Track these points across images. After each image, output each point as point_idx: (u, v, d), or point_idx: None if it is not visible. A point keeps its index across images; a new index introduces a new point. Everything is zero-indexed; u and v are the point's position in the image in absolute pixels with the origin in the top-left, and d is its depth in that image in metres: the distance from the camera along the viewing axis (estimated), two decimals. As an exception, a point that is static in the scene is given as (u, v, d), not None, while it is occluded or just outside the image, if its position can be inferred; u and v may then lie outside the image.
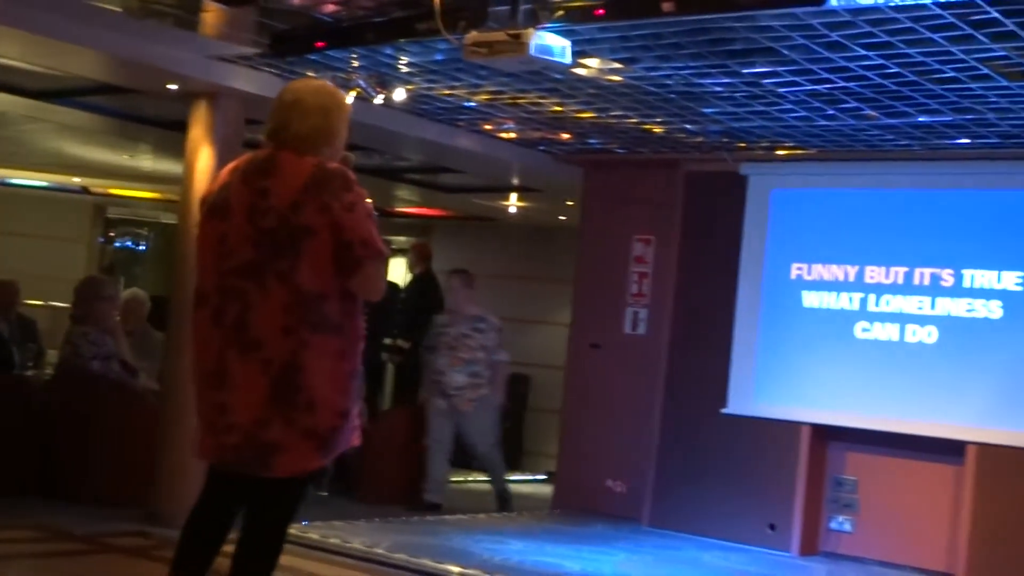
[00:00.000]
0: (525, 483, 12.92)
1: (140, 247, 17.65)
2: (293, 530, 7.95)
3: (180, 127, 8.88)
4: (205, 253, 4.38)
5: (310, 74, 7.97)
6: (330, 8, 6.98)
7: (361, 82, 7.99)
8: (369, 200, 4.34)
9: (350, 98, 7.93)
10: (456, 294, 10.52)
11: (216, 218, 4.34)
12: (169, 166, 11.97)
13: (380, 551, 7.75)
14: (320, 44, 7.22)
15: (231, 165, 4.47)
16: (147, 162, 12.76)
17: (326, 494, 10.19)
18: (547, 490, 11.17)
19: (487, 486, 10.96)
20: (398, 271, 15.48)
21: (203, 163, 8.41)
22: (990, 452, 8.58)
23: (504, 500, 10.52)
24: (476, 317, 10.40)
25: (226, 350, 4.20)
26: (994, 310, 8.69)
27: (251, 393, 4.15)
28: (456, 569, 7.43)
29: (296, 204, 4.16)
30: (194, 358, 4.35)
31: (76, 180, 14.92)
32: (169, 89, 8.42)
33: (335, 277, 4.18)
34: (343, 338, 4.21)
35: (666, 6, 5.90)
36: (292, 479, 4.23)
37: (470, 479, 12.67)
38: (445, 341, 10.30)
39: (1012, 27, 5.90)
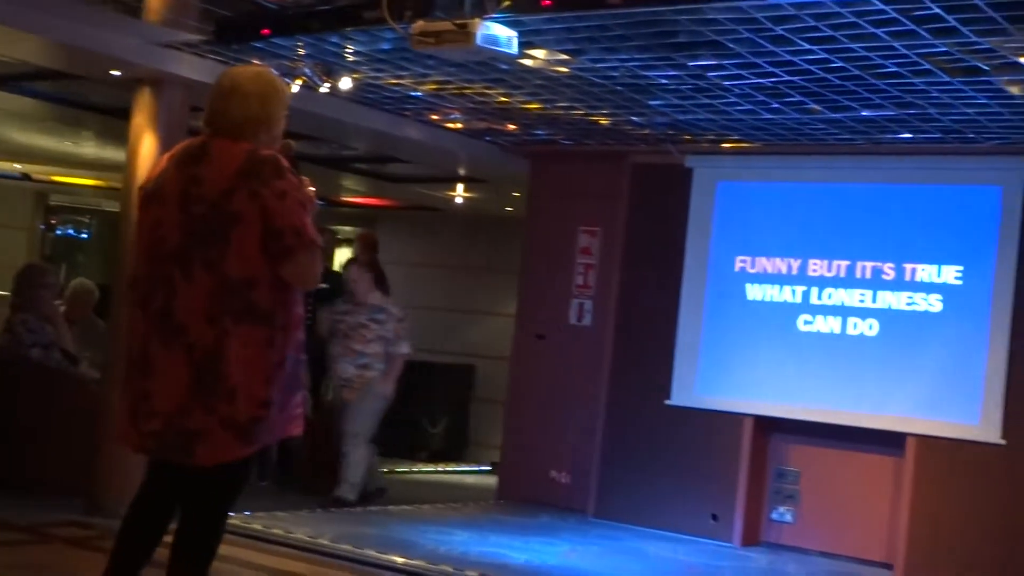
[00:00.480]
0: (470, 474, 12.93)
1: (82, 235, 17.47)
2: (236, 520, 7.95)
3: (123, 114, 8.79)
4: (140, 241, 4.38)
5: (255, 61, 7.92)
6: (277, -4, 6.95)
7: (307, 70, 7.94)
8: (312, 189, 4.32)
9: (295, 87, 7.91)
10: (356, 284, 10.12)
11: (152, 205, 4.33)
12: (112, 153, 11.84)
13: (324, 542, 7.74)
14: (265, 31, 7.17)
15: (170, 152, 4.45)
16: (90, 149, 12.62)
17: (265, 484, 10.13)
18: (492, 481, 11.18)
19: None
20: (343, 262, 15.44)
21: (146, 150, 8.33)
22: (929, 444, 8.69)
23: (368, 495, 9.86)
24: (376, 307, 9.90)
25: (151, 337, 4.19)
26: (934, 304, 8.79)
27: (173, 380, 4.13)
28: (400, 560, 7.43)
29: (227, 191, 4.14)
30: (126, 345, 4.35)
31: (17, 167, 14.73)
32: (112, 75, 8.32)
33: (265, 265, 4.15)
34: (272, 327, 4.18)
35: (612, -2, 5.92)
36: (225, 468, 4.20)
37: (414, 469, 12.67)
38: (341, 329, 9.89)
39: (954, 23, 5.96)
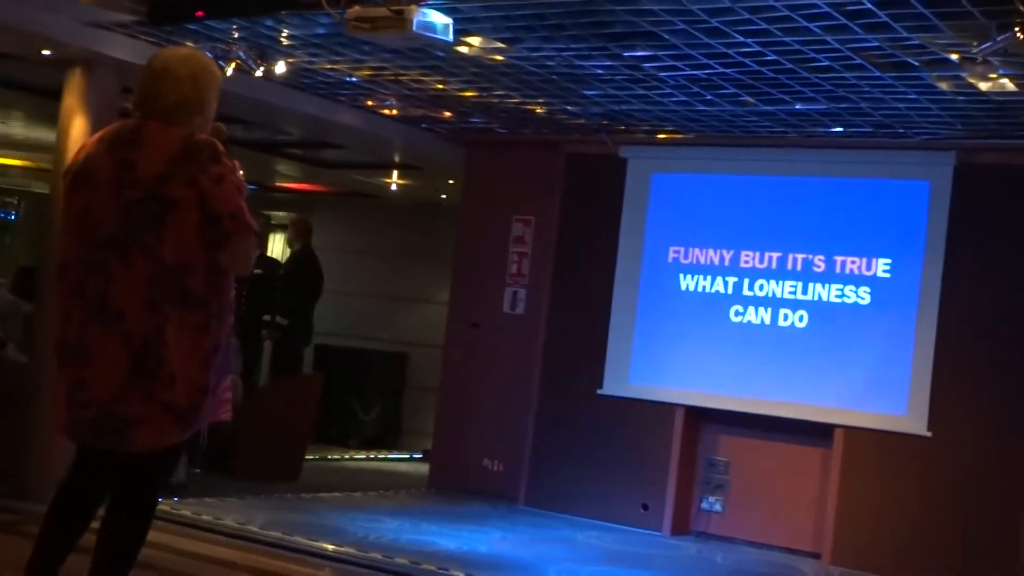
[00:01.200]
0: (402, 461, 12.91)
1: (10, 217, 17.21)
2: (165, 507, 7.88)
3: (54, 94, 8.67)
4: (68, 225, 4.30)
5: (188, 44, 7.84)
6: (211, -23, 6.88)
7: (241, 54, 7.87)
8: (241, 172, 4.28)
9: (230, 70, 7.84)
10: None
11: (79, 189, 4.26)
12: (42, 134, 11.68)
13: (253, 528, 7.70)
14: (199, 13, 7.11)
15: (96, 135, 4.38)
16: (19, 129, 12.43)
17: (199, 471, 10.06)
18: (424, 468, 11.17)
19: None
20: (277, 248, 15.35)
21: (77, 132, 8.22)
22: (856, 435, 8.80)
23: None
24: None
25: (88, 323, 4.13)
26: (863, 296, 8.90)
27: (111, 367, 4.09)
28: (331, 547, 7.41)
29: (163, 176, 4.09)
30: (56, 332, 4.27)
31: (-56, 147, 14.48)
32: (43, 55, 8.21)
33: (202, 250, 4.12)
34: (207, 312, 4.15)
35: (549, -14, 5.92)
36: (156, 454, 4.17)
37: (347, 457, 12.63)
38: None
39: (885, 18, 6.03)
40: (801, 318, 9.10)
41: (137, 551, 4.25)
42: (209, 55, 7.73)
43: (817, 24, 6.27)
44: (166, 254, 4.08)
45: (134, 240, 4.10)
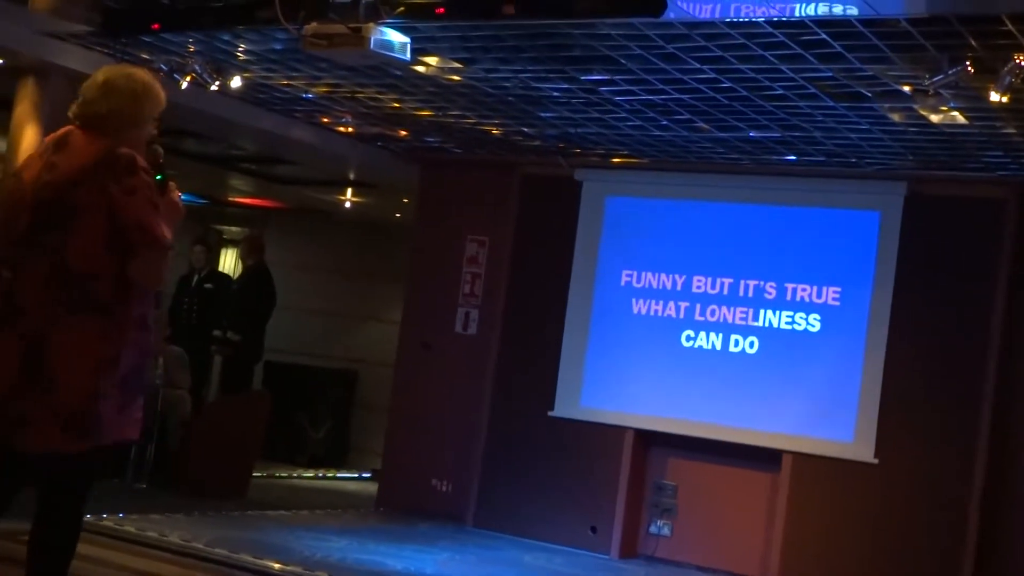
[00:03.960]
0: (350, 480, 12.85)
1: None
2: (108, 522, 7.81)
3: (5, 104, 8.59)
4: (2, 223, 4.38)
5: (143, 55, 7.80)
6: (168, -10, 6.85)
7: (197, 67, 7.83)
8: (177, 193, 4.34)
9: (185, 83, 7.80)
10: None
11: (11, 189, 4.38)
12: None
13: (198, 545, 7.62)
14: (155, 26, 7.07)
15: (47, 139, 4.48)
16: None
17: (145, 486, 9.97)
18: (372, 488, 11.12)
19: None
20: (229, 263, 15.26)
21: (28, 142, 8.14)
22: (804, 461, 8.84)
23: None
24: None
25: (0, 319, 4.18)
26: (813, 323, 8.96)
27: (6, 364, 4.11)
28: (276, 565, 7.34)
29: (75, 182, 4.15)
30: None
31: None
32: (-4, 64, 8.15)
33: (110, 260, 4.14)
34: (109, 321, 4.15)
35: (507, 9, 5.95)
36: (60, 461, 4.14)
37: (294, 475, 12.56)
38: None
39: (839, 49, 6.09)
40: (752, 344, 9.14)
41: (62, 564, 4.21)
42: (164, 68, 7.78)
43: (772, 52, 6.33)
44: (69, 258, 4.12)
45: (40, 241, 4.16)
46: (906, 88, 6.61)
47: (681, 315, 9.41)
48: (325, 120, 9.60)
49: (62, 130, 4.39)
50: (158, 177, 4.30)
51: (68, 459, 4.15)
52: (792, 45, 6.14)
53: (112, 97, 4.30)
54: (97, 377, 4.12)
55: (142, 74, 4.46)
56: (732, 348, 9.20)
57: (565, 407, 9.72)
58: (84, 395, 4.10)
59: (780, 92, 7.06)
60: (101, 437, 4.16)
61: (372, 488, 11.16)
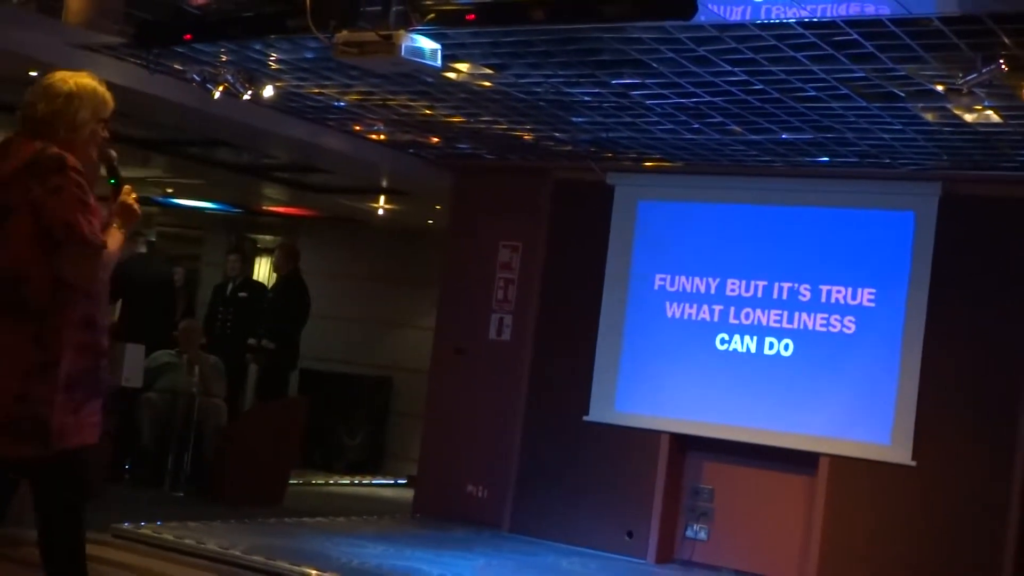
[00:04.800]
0: (386, 487, 12.87)
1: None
2: (146, 530, 7.87)
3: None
4: None
5: (176, 66, 7.85)
6: (200, 1, 6.87)
7: (229, 77, 7.88)
8: (134, 196, 4.32)
9: (217, 93, 7.83)
10: None
11: None
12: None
13: (236, 553, 7.65)
14: (188, 36, 7.09)
15: None
16: None
17: (182, 494, 10.03)
18: (408, 494, 11.13)
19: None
20: (263, 272, 15.32)
21: (62, 154, 8.19)
22: (841, 463, 8.80)
23: None
24: None
25: None
26: (848, 325, 8.92)
27: None
28: (314, 572, 7.37)
29: (5, 184, 4.16)
30: None
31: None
32: (31, 76, 8.19)
33: (40, 262, 4.12)
34: (40, 325, 4.10)
35: (536, 14, 5.94)
36: (33, 467, 4.12)
37: (331, 481, 12.59)
38: None
39: (871, 49, 6.06)
40: (786, 346, 9.11)
41: (71, 567, 4.21)
42: (197, 79, 7.82)
43: (804, 54, 6.30)
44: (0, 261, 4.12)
45: None
46: (939, 87, 6.57)
47: (715, 318, 9.38)
48: (357, 128, 9.62)
49: (6, 136, 4.37)
50: (111, 181, 4.33)
51: (33, 465, 4.13)
52: (824, 46, 6.11)
53: (48, 99, 4.29)
54: (26, 383, 4.07)
55: (83, 77, 4.45)
56: (767, 351, 9.17)
57: (600, 412, 9.71)
58: (9, 397, 4.06)
59: (812, 93, 7.03)
60: (53, 443, 4.09)
61: (408, 494, 11.17)
